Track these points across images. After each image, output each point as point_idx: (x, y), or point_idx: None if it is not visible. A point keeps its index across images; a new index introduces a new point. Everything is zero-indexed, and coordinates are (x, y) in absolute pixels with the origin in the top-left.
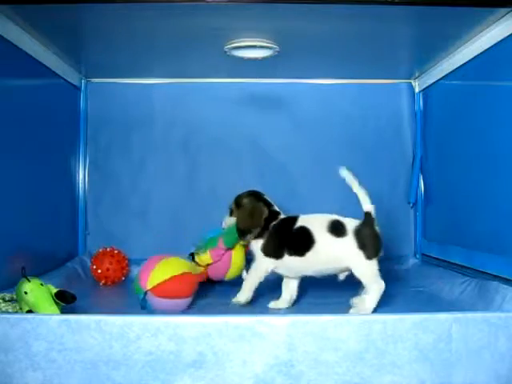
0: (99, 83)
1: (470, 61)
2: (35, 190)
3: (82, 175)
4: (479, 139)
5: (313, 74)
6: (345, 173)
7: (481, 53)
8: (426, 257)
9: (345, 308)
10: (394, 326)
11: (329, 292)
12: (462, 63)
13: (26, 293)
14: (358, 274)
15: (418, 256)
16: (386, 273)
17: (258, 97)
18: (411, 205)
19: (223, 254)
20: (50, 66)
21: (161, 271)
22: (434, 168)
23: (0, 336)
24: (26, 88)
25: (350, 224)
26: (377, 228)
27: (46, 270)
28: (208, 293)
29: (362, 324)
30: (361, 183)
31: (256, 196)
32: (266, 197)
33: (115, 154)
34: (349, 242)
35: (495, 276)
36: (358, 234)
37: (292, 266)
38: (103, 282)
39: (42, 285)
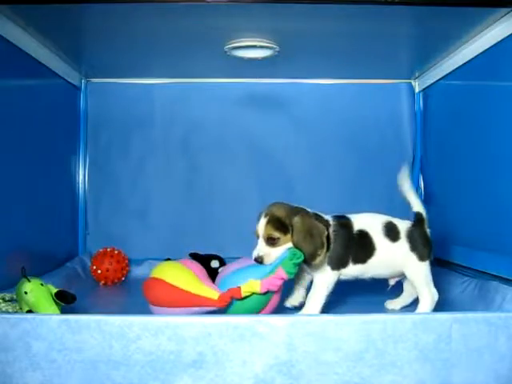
0: (99, 83)
1: (470, 61)
2: (35, 189)
3: (82, 175)
4: (479, 139)
5: (313, 74)
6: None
7: (481, 53)
8: None
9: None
10: (394, 326)
11: (357, 290)
12: (462, 63)
13: (26, 293)
14: (410, 277)
15: None
16: None
17: (257, 97)
18: None
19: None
20: (50, 66)
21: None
22: (434, 168)
23: (0, 336)
24: (26, 88)
25: (402, 226)
26: (428, 230)
27: (46, 270)
28: None
29: (362, 324)
30: (361, 183)
31: (302, 211)
32: (302, 206)
33: (115, 154)
34: (402, 244)
35: (495, 276)
36: (411, 236)
37: (353, 274)
38: (103, 282)
39: (42, 285)
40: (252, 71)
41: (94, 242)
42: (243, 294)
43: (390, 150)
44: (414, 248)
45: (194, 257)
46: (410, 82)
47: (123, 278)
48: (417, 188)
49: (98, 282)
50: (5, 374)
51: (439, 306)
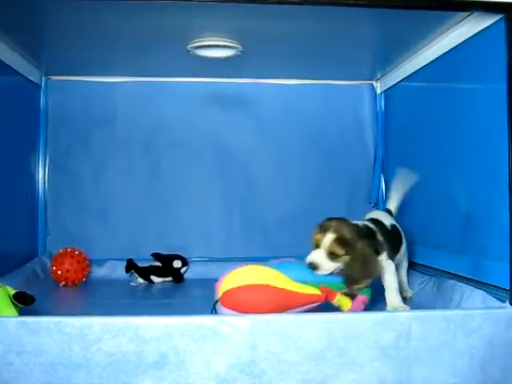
0: (60, 81)
1: (430, 63)
2: None
3: (41, 174)
4: (439, 140)
5: (276, 75)
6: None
7: (441, 55)
8: None
9: None
10: (355, 325)
11: None
12: (422, 65)
13: None
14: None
15: None
16: None
17: (221, 96)
18: (373, 205)
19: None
20: (9, 63)
21: (236, 277)
22: (395, 168)
23: None
24: None
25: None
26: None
27: (4, 271)
28: None
29: (323, 323)
30: (323, 183)
31: (365, 236)
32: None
33: (76, 153)
34: None
35: (454, 274)
36: None
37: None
38: (63, 283)
39: None
40: (215, 71)
41: (54, 243)
42: (335, 302)
43: (351, 149)
44: None
45: (157, 257)
46: (372, 84)
47: (84, 279)
48: (378, 188)
49: (58, 283)
50: None
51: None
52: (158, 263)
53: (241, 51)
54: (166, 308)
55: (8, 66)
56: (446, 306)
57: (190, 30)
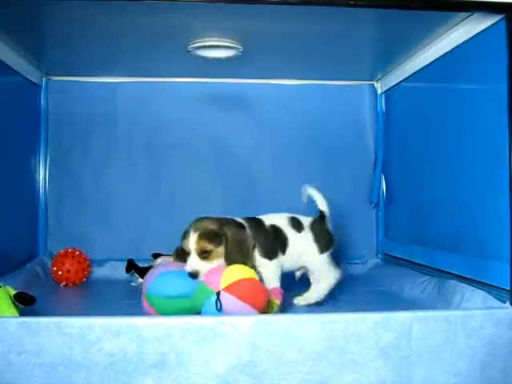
0: (60, 81)
1: (431, 63)
2: None
3: (42, 175)
4: (440, 140)
5: (276, 75)
6: (307, 189)
7: (442, 55)
8: (388, 256)
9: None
10: (356, 325)
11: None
12: (423, 65)
13: None
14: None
15: (379, 256)
16: (347, 272)
17: (221, 97)
18: (373, 205)
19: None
20: (10, 64)
21: (235, 271)
22: (395, 169)
23: None
24: None
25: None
26: (329, 225)
27: (5, 271)
28: None
29: (324, 323)
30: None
31: (231, 223)
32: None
33: (77, 154)
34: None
35: (454, 275)
36: (313, 229)
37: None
38: (64, 283)
39: (0, 286)
40: (216, 71)
41: (54, 243)
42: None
43: (352, 150)
44: (316, 240)
45: (157, 257)
46: (373, 84)
47: (84, 279)
48: (378, 188)
49: (59, 283)
50: None
51: (400, 305)
52: None
53: (241, 51)
54: None
55: (9, 66)
56: (446, 307)
57: (191, 30)
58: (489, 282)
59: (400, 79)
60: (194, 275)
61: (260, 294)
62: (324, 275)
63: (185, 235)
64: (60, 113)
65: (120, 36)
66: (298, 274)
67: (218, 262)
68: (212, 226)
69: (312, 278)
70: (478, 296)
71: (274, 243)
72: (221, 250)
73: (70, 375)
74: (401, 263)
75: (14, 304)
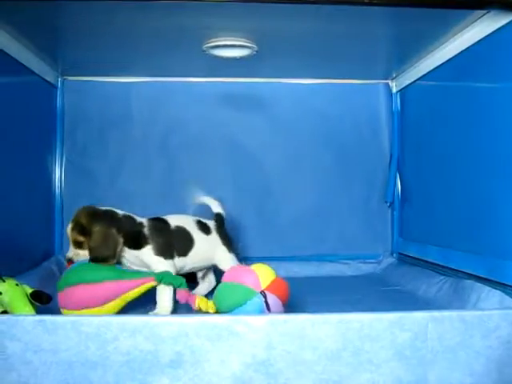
0: (76, 81)
1: (446, 62)
2: (10, 188)
3: (58, 174)
4: (456, 139)
5: (291, 74)
6: (198, 200)
7: (457, 54)
8: (403, 256)
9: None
10: (371, 325)
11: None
12: (438, 64)
13: (0, 293)
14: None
15: (394, 255)
16: (362, 272)
17: (236, 96)
18: (388, 204)
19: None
20: (26, 64)
21: (267, 270)
22: (411, 168)
23: None
24: (1, 85)
25: (210, 223)
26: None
27: (21, 269)
28: None
29: (339, 323)
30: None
31: (104, 220)
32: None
33: (92, 153)
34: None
35: (470, 275)
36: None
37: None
38: None
39: (17, 285)
40: (230, 70)
41: None
42: (196, 306)
43: (367, 149)
44: (224, 242)
45: None
46: (388, 83)
47: None
48: (394, 187)
49: None
50: None
51: (416, 305)
52: None
53: (256, 51)
54: (181, 307)
55: (25, 66)
56: (462, 307)
57: (206, 29)
58: (505, 282)
59: (415, 78)
60: (70, 260)
61: (288, 293)
62: None
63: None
64: (76, 112)
65: (135, 36)
66: (200, 274)
67: None
68: (83, 220)
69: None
70: (495, 296)
71: (176, 244)
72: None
73: (86, 373)
74: (416, 263)
75: (31, 302)
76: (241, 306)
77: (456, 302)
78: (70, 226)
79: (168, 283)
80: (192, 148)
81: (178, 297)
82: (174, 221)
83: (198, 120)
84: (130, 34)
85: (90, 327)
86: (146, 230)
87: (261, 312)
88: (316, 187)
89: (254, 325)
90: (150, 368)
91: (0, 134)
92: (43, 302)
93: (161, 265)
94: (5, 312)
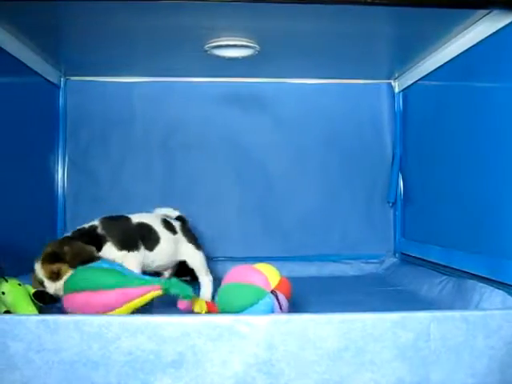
0: (78, 81)
1: (449, 61)
2: (12, 188)
3: (60, 174)
4: (458, 139)
5: (293, 74)
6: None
7: (460, 54)
8: (405, 256)
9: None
10: (374, 325)
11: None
12: (441, 64)
13: (3, 293)
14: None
15: (397, 255)
16: (365, 272)
17: (238, 96)
18: (390, 204)
19: None
20: (29, 64)
21: (272, 269)
22: (413, 168)
23: None
24: (4, 86)
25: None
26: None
27: (24, 270)
28: None
29: (341, 323)
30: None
31: (67, 239)
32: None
33: (95, 153)
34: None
35: (473, 275)
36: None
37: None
38: None
39: (19, 285)
40: (233, 70)
41: None
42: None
43: (370, 149)
44: (190, 241)
45: None
46: (390, 83)
47: None
48: (396, 187)
49: None
50: None
51: (418, 305)
52: None
53: (258, 51)
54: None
55: (27, 66)
56: (465, 307)
57: (208, 29)
58: (508, 282)
59: (417, 78)
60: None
61: (291, 293)
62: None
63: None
64: (78, 112)
65: (137, 36)
66: (166, 274)
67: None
68: (51, 248)
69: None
70: (497, 296)
71: (141, 238)
72: (67, 266)
73: (88, 373)
74: (418, 263)
75: (34, 302)
76: (252, 306)
77: (458, 302)
78: (37, 266)
79: (176, 293)
80: (194, 148)
81: (179, 305)
82: (137, 218)
83: (200, 120)
84: (131, 34)
85: (92, 327)
86: (99, 230)
87: (272, 311)
88: (319, 187)
89: (256, 325)
90: (151, 368)
91: (3, 134)
92: (46, 302)
93: (127, 258)
94: (7, 312)
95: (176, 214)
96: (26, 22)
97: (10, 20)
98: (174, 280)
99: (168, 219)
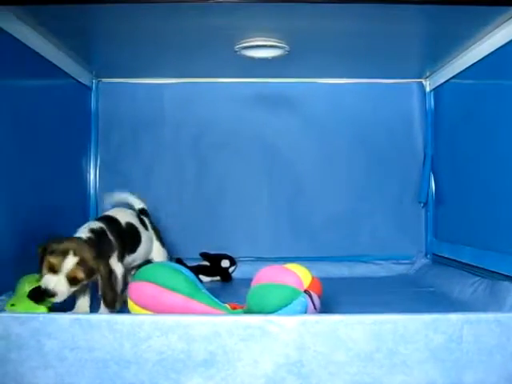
0: (110, 83)
1: (480, 60)
2: (46, 189)
3: (92, 175)
4: (490, 138)
5: (323, 74)
6: (109, 200)
7: (491, 52)
8: (437, 257)
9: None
10: (405, 326)
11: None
12: (472, 62)
13: (13, 305)
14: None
15: (428, 256)
16: (396, 273)
17: (268, 96)
18: (422, 204)
19: None
20: (61, 66)
21: (303, 269)
22: (445, 167)
23: (13, 335)
24: (38, 88)
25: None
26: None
27: None
28: None
29: (372, 324)
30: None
31: (103, 257)
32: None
33: (126, 154)
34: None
35: (506, 276)
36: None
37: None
38: None
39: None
40: (262, 71)
41: None
42: None
43: (400, 149)
44: (157, 237)
45: (205, 256)
46: (421, 82)
47: None
48: (427, 187)
49: None
50: (16, 372)
51: (450, 307)
52: (206, 262)
53: (288, 51)
54: None
55: (60, 68)
56: (498, 309)
57: (238, 30)
58: None
59: (449, 77)
60: (49, 293)
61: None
62: None
63: (57, 252)
64: (109, 114)
65: (167, 37)
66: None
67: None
68: (88, 257)
69: None
70: None
71: (131, 242)
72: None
73: (120, 371)
74: (450, 264)
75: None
76: (286, 306)
77: (492, 304)
78: (70, 260)
79: None
80: (224, 148)
81: None
82: (122, 217)
83: (229, 121)
84: (161, 36)
85: (124, 326)
86: (109, 235)
87: (306, 311)
88: (349, 187)
89: (287, 325)
90: (182, 367)
91: (37, 136)
92: (42, 300)
93: (118, 269)
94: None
95: (140, 206)
96: (59, 25)
97: (41, 23)
98: (240, 311)
99: (141, 216)
